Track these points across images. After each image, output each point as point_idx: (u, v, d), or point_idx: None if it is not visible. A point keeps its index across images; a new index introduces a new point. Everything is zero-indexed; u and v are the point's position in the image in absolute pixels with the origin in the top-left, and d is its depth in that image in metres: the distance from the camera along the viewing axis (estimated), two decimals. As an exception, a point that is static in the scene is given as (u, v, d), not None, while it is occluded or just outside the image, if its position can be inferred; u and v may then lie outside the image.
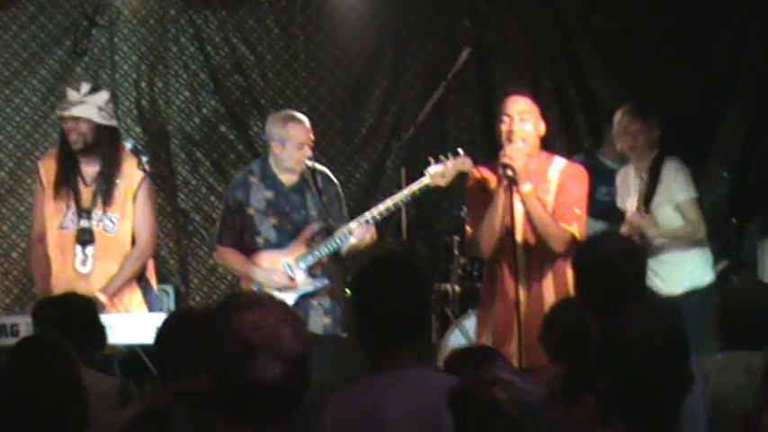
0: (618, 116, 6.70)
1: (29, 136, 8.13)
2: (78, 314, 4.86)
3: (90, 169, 6.34)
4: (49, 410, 3.44)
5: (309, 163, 6.62)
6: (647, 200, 6.64)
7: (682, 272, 6.64)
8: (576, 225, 5.54)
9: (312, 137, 6.53)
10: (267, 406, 2.66)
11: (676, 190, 6.63)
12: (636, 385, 2.93)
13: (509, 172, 5.40)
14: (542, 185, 5.68)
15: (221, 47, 8.35)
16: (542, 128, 5.62)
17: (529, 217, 5.54)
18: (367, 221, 6.39)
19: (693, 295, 6.53)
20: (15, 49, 8.14)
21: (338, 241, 6.44)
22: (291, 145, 6.46)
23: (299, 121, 6.56)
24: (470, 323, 6.78)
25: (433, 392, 3.22)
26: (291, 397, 2.69)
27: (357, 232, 6.36)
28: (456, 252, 7.54)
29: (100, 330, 4.97)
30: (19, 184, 8.09)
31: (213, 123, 8.32)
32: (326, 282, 6.51)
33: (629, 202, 6.75)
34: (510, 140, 5.52)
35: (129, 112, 8.23)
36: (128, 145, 6.67)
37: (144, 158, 6.46)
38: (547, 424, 2.90)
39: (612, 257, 4.00)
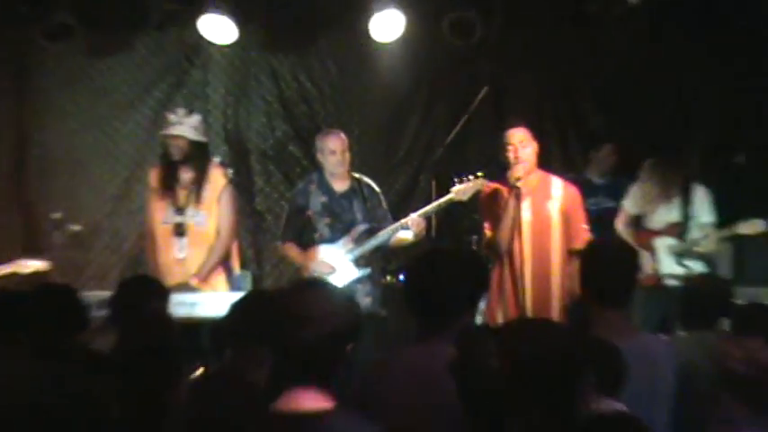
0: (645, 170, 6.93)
1: (140, 151, 8.60)
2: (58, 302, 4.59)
3: (185, 176, 6.68)
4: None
5: (357, 175, 6.83)
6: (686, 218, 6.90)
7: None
8: (585, 238, 5.98)
9: (343, 147, 6.68)
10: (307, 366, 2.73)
11: (704, 211, 6.94)
12: None
13: (519, 184, 5.88)
14: (547, 201, 6.04)
15: (291, 83, 8.69)
16: (536, 147, 5.98)
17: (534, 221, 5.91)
18: (419, 217, 6.50)
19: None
20: (131, 83, 8.68)
21: (381, 239, 6.63)
22: (326, 152, 6.72)
23: (331, 133, 6.82)
24: (481, 304, 6.42)
25: (433, 365, 3.21)
26: (322, 359, 2.77)
27: (414, 221, 6.45)
28: (475, 248, 7.63)
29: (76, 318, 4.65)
30: (132, 189, 8.53)
31: (284, 143, 8.69)
32: (369, 270, 6.74)
33: (656, 216, 7.02)
34: (516, 163, 5.98)
35: (218, 133, 8.60)
36: (216, 159, 7.10)
37: (229, 170, 6.95)
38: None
39: (611, 258, 4.03)
